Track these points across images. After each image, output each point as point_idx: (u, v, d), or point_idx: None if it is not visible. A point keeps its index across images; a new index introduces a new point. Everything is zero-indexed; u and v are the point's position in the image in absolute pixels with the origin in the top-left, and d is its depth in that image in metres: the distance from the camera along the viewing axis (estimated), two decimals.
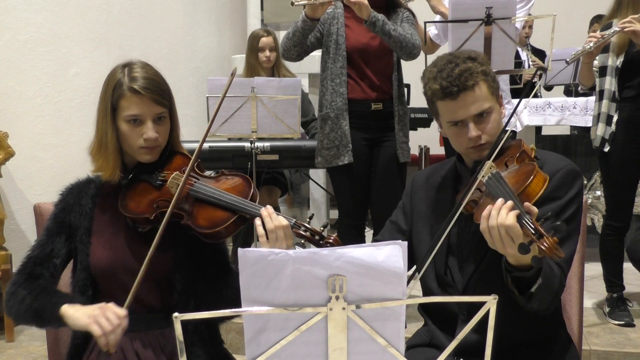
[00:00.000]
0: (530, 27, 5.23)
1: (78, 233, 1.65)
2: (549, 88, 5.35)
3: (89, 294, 1.61)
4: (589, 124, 3.48)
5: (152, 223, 1.60)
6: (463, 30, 2.70)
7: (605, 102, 3.05)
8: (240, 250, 0.95)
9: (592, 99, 3.62)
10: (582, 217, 1.61)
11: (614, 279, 3.18)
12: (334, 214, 4.65)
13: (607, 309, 3.17)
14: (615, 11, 3.02)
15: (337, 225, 3.31)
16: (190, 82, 4.90)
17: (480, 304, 0.96)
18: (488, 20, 2.66)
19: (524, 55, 4.69)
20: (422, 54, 2.93)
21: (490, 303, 0.95)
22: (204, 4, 5.12)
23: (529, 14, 3.17)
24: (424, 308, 1.74)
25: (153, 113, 1.60)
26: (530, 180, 1.42)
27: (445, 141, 3.63)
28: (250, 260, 0.95)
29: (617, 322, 3.07)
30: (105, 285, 1.62)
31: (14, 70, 3.49)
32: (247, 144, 3.54)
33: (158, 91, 1.61)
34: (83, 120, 3.68)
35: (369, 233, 3.62)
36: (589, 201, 4.09)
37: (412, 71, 3.40)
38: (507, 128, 1.61)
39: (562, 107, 3.69)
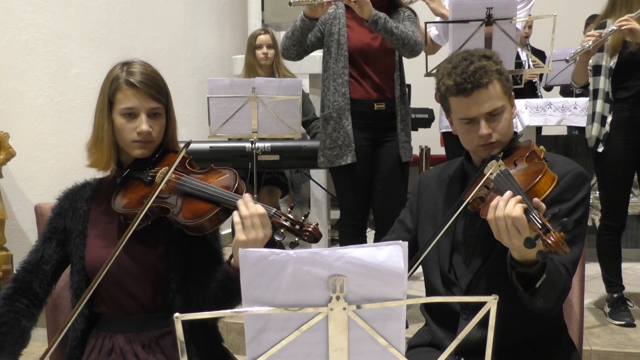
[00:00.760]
0: (530, 27, 5.22)
1: (72, 236, 1.66)
2: (548, 88, 5.34)
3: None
4: None
5: (144, 220, 1.60)
6: (464, 30, 2.70)
7: (599, 102, 3.05)
8: (241, 250, 0.95)
9: None
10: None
11: (612, 279, 3.19)
12: (335, 214, 4.65)
13: (607, 309, 3.17)
14: (610, 11, 3.02)
15: (339, 225, 3.31)
16: (190, 82, 4.91)
17: (482, 303, 0.96)
18: (489, 20, 2.66)
19: (524, 55, 4.68)
20: (422, 54, 2.93)
21: (491, 303, 0.95)
22: (204, 5, 5.12)
23: (529, 14, 3.17)
24: (425, 306, 1.75)
25: (147, 107, 1.62)
26: (539, 178, 1.42)
27: (445, 142, 3.63)
28: (251, 260, 0.95)
29: (617, 323, 3.07)
30: (101, 285, 1.62)
31: (15, 71, 3.48)
32: (247, 145, 3.54)
33: (154, 86, 1.62)
34: (84, 120, 3.67)
35: (370, 233, 3.62)
36: (590, 201, 4.09)
37: (412, 72, 3.41)
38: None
39: (562, 107, 3.68)
